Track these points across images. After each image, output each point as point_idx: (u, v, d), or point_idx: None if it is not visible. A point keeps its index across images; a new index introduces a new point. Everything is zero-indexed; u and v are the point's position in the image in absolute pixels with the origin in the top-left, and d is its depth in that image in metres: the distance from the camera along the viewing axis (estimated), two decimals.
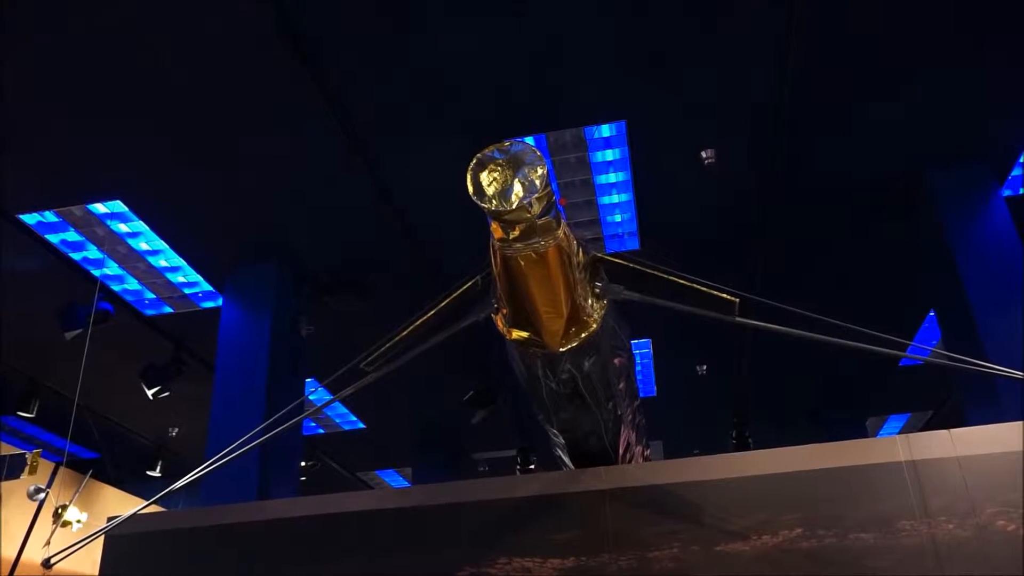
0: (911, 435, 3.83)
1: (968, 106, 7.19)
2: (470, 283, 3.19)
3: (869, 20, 6.25)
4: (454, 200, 3.29)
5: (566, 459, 4.67)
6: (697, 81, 6.79)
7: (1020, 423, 3.70)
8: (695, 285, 3.00)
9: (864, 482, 3.71)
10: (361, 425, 13.67)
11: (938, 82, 6.92)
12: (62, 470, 9.66)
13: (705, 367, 12.06)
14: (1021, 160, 7.95)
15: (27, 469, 7.12)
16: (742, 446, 12.74)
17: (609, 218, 8.58)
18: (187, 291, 9.53)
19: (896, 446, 3.77)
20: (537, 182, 2.55)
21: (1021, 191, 8.44)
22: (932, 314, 9.47)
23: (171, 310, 9.86)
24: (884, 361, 10.44)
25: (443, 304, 3.17)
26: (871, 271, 9.38)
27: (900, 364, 11.21)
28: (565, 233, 2.80)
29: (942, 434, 3.79)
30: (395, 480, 17.00)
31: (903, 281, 9.15)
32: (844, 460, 3.80)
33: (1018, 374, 3.12)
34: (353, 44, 6.28)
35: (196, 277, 9.19)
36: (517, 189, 2.55)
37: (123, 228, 8.33)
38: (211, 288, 9.36)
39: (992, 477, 3.59)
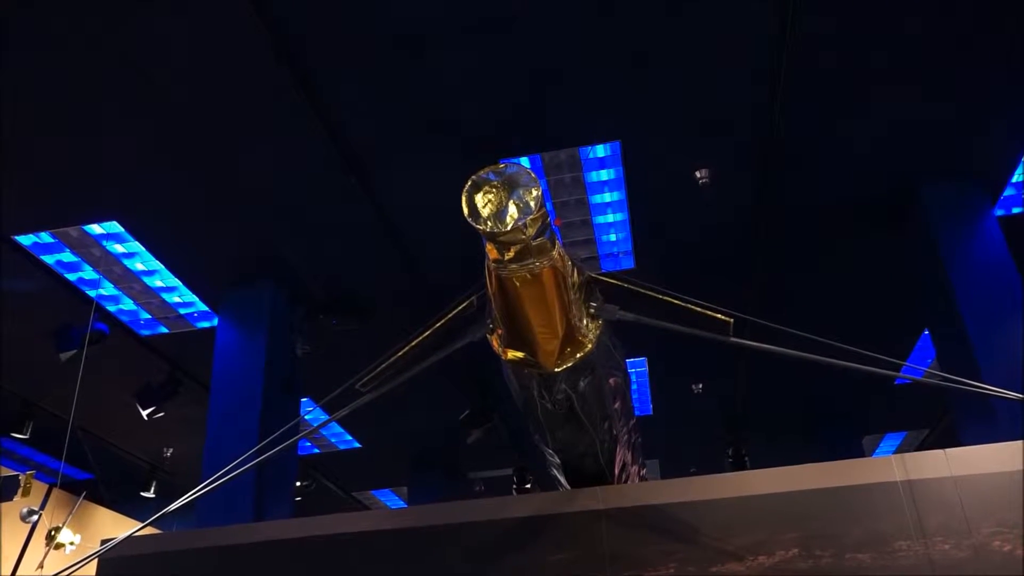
0: (906, 455, 3.82)
1: (963, 123, 7.24)
2: (466, 303, 3.19)
3: (864, 36, 6.30)
4: (451, 219, 3.30)
5: (562, 479, 4.66)
6: (691, 100, 6.84)
7: (1016, 443, 3.70)
8: (689, 305, 3.00)
9: (860, 502, 3.69)
10: (357, 444, 13.61)
11: (933, 99, 6.97)
12: (55, 491, 9.60)
13: (700, 386, 12.07)
14: (1014, 180, 8.00)
15: (20, 491, 7.09)
16: (738, 465, 12.72)
17: (604, 237, 8.61)
18: (183, 311, 9.52)
19: (892, 466, 3.76)
20: (532, 203, 2.56)
21: (1014, 211, 8.48)
22: (927, 333, 9.49)
23: (167, 330, 9.84)
24: (879, 380, 10.46)
25: (439, 324, 3.17)
26: (866, 289, 9.41)
27: (895, 383, 11.21)
28: (560, 254, 2.81)
29: (937, 454, 3.78)
30: (391, 500, 16.90)
31: (899, 298, 9.18)
32: (840, 480, 3.78)
33: (1012, 394, 3.12)
34: (350, 63, 6.32)
35: (192, 297, 9.19)
36: (512, 211, 2.56)
37: (119, 249, 8.33)
38: (207, 308, 9.35)
39: (988, 497, 3.58)
